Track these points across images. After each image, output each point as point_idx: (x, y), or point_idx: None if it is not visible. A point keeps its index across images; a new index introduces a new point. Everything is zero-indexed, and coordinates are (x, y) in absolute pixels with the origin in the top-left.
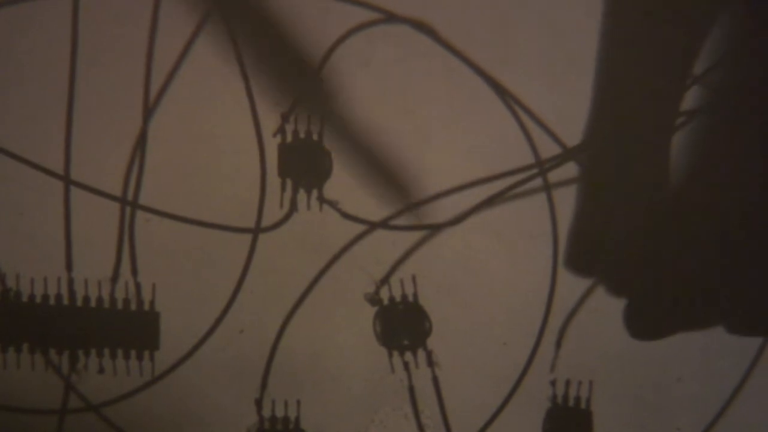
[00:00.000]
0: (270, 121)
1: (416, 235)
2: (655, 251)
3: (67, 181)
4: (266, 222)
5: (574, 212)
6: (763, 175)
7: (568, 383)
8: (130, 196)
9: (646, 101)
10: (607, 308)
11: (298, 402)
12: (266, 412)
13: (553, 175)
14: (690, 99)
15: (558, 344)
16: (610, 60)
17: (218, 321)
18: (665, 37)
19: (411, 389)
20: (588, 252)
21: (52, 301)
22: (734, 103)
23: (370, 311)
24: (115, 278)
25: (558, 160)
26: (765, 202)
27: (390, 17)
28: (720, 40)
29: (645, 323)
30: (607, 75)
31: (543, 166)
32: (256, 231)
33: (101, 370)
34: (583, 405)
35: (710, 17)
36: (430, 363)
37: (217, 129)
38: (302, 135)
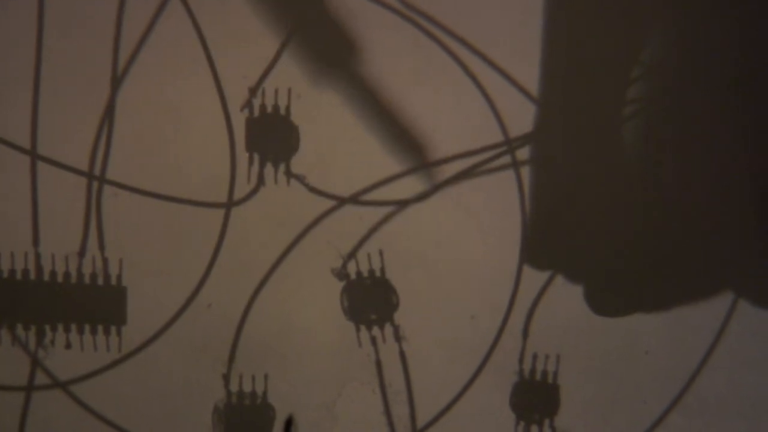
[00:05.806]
0: (237, 95)
1: (384, 210)
2: (616, 231)
3: (34, 155)
4: (233, 197)
5: (531, 201)
6: (718, 156)
7: (535, 357)
8: (97, 170)
9: (602, 87)
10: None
11: (266, 376)
12: (234, 387)
13: (522, 153)
14: (645, 87)
15: (525, 333)
16: (567, 45)
17: (190, 299)
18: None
19: (378, 363)
20: (549, 247)
21: (18, 276)
22: (687, 91)
23: (338, 286)
24: (82, 253)
25: (527, 138)
26: (720, 182)
27: None
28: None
29: (607, 300)
30: (563, 60)
31: (512, 144)
32: (229, 205)
33: (68, 346)
34: (550, 379)
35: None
36: (398, 337)
37: (183, 103)
38: (270, 109)
